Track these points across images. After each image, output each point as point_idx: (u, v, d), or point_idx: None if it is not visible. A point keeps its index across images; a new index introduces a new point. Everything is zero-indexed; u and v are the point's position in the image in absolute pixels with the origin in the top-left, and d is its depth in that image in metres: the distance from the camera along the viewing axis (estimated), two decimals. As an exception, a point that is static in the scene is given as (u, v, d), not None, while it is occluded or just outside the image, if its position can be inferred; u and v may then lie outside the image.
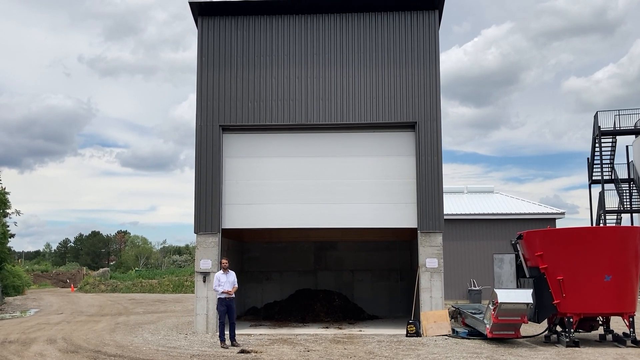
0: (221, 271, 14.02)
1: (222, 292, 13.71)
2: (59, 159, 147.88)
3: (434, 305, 15.83)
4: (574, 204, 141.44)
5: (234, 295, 13.91)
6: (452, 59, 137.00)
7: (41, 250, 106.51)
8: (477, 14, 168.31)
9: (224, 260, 14.27)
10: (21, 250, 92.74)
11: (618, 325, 14.95)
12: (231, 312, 13.82)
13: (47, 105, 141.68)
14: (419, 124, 16.41)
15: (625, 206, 33.29)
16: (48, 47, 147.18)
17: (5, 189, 30.63)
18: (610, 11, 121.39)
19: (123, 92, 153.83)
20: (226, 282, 13.82)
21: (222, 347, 13.33)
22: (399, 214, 16.47)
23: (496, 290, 13.62)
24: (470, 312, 16.00)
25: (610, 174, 33.96)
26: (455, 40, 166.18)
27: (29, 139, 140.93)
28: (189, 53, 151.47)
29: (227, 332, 13.71)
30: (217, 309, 14.02)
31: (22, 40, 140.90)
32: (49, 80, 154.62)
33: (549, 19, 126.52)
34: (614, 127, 33.22)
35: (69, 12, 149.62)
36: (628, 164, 34.86)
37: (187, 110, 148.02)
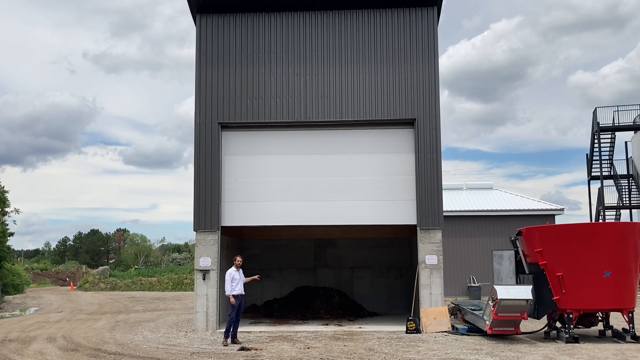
0: (234, 268, 13.93)
1: (239, 295, 13.64)
2: (62, 157, 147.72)
3: (433, 301, 15.85)
4: (576, 200, 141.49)
5: (243, 292, 13.90)
6: (460, 53, 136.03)
7: (40, 248, 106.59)
8: (487, 7, 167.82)
9: (239, 258, 14.14)
10: (21, 249, 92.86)
11: (617, 321, 14.97)
12: (239, 309, 13.80)
13: (51, 103, 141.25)
14: (418, 121, 16.41)
15: (624, 202, 33.29)
16: (53, 44, 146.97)
17: (4, 187, 30.64)
18: (622, 6, 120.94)
19: (128, 89, 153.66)
20: (240, 279, 13.80)
21: (223, 344, 13.33)
22: (399, 210, 16.47)
23: (496, 287, 13.64)
24: (470, 309, 16.04)
25: (609, 170, 33.95)
26: (465, 34, 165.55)
27: (32, 137, 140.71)
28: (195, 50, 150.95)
29: (230, 329, 13.71)
30: (228, 306, 13.80)
31: (27, 38, 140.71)
32: (54, 77, 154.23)
33: (560, 12, 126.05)
34: (613, 122, 33.20)
35: (76, 9, 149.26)
36: (627, 159, 34.87)
37: (191, 107, 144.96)
